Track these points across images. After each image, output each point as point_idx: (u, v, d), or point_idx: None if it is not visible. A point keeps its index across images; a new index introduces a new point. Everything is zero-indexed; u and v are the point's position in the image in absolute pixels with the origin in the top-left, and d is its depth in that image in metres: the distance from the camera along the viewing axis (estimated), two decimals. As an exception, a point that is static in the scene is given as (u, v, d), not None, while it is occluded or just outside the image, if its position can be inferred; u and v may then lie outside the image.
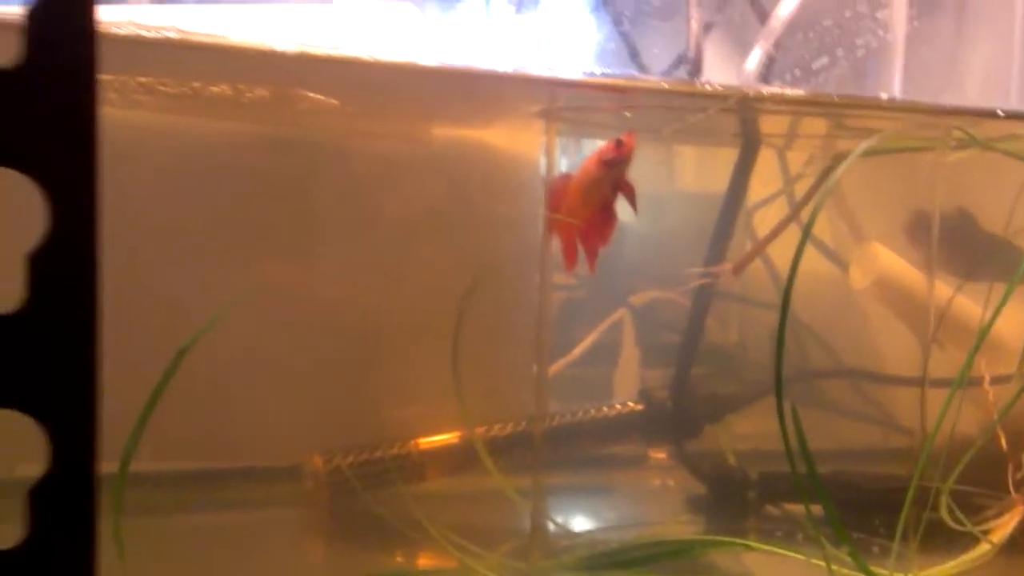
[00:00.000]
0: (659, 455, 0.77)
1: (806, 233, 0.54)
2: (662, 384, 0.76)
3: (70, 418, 0.31)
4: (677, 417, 0.74)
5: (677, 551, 0.58)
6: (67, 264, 0.31)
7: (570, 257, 0.61)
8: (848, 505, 0.64)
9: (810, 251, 0.74)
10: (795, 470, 0.69)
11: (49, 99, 0.31)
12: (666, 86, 0.61)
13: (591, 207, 0.58)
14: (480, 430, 0.71)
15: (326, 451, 0.68)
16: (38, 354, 0.31)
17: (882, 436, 0.87)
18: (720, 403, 0.76)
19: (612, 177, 0.57)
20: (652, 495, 0.76)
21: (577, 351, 0.83)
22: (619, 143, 0.57)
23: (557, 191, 0.61)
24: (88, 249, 0.32)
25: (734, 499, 0.73)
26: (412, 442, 0.71)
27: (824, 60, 0.67)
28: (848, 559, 0.59)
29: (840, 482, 0.70)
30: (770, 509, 0.72)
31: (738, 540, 0.60)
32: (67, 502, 0.32)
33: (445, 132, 0.77)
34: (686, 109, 0.62)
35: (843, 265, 0.80)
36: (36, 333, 0.31)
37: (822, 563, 0.58)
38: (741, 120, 0.68)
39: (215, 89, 0.61)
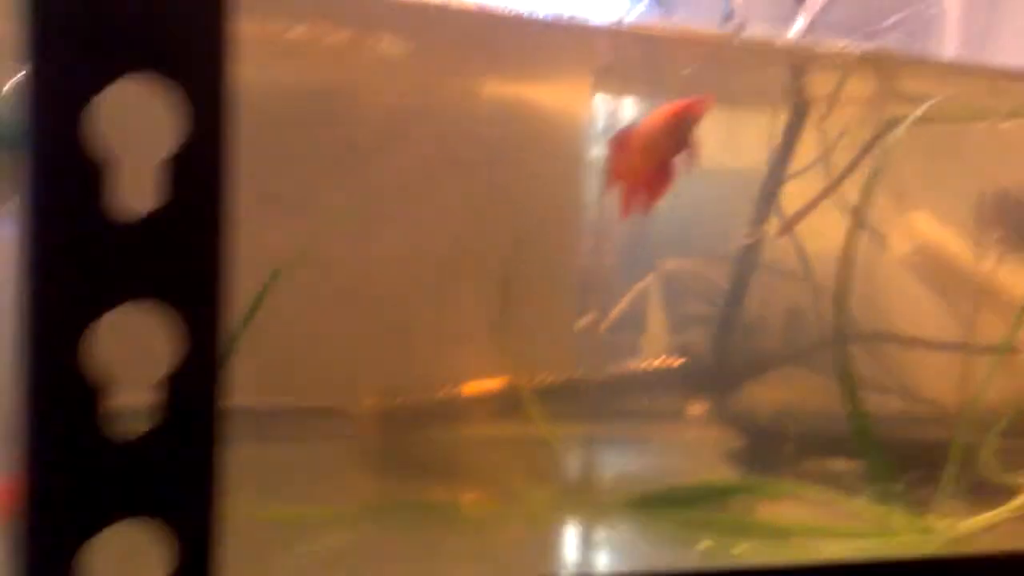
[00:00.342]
0: (696, 409, 0.79)
1: (862, 201, 0.55)
2: (702, 341, 0.78)
3: (202, 306, 0.33)
4: (718, 373, 0.76)
5: (726, 492, 0.60)
6: (203, 164, 0.33)
7: (627, 205, 0.62)
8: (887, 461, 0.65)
9: (840, 218, 0.76)
10: (834, 425, 0.71)
11: (187, 9, 0.33)
12: (737, 41, 0.62)
13: (653, 159, 0.60)
14: (525, 379, 0.73)
15: (376, 392, 0.70)
16: (174, 248, 0.33)
17: (904, 404, 0.89)
18: (759, 361, 0.77)
19: (680, 133, 0.59)
20: (689, 448, 0.77)
21: (613, 314, 0.85)
22: (693, 101, 0.59)
23: (620, 141, 0.62)
24: (222, 150, 0.33)
25: (771, 453, 0.74)
26: (458, 387, 0.73)
27: (880, 24, 0.68)
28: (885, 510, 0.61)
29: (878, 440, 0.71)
30: (807, 464, 0.74)
31: (790, 484, 0.62)
32: (198, 390, 0.33)
33: (495, 88, 0.79)
34: (749, 66, 0.64)
35: (875, 232, 0.82)
36: (173, 229, 0.33)
37: (867, 510, 0.60)
38: (793, 80, 0.70)
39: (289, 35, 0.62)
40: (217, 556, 0.34)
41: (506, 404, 0.74)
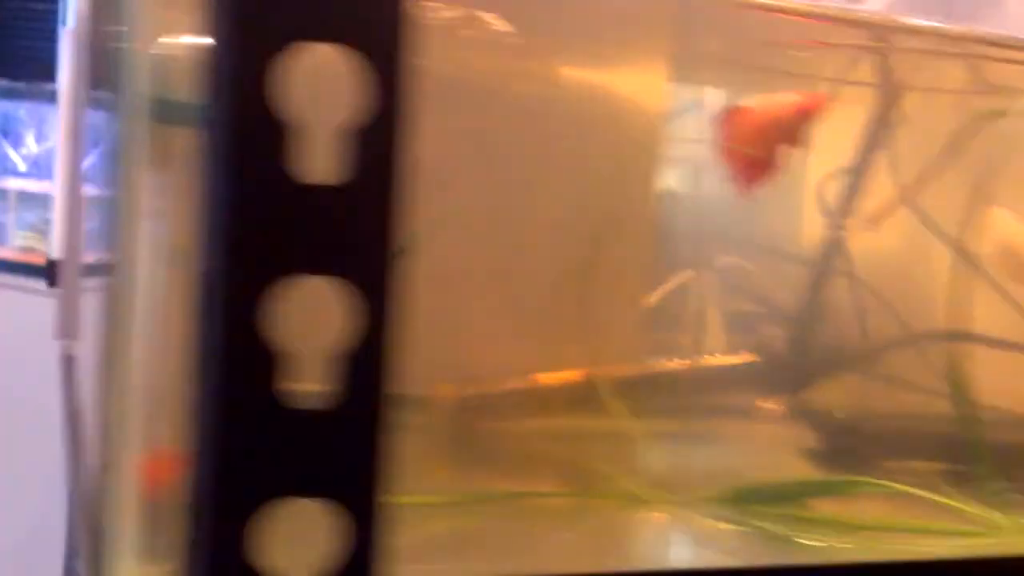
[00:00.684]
0: (769, 406, 0.79)
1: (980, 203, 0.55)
2: (778, 336, 0.78)
3: (382, 285, 0.33)
4: (794, 370, 0.76)
5: (824, 488, 0.61)
6: (388, 140, 0.33)
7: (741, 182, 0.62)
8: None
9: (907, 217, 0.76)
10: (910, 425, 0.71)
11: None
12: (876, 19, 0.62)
13: (760, 147, 0.60)
14: (602, 371, 0.74)
15: (454, 381, 0.71)
16: (357, 223, 0.33)
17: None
18: (835, 359, 0.78)
19: (792, 128, 0.59)
20: (765, 445, 0.78)
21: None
22: (813, 99, 0.59)
23: (729, 119, 0.63)
24: (404, 123, 0.34)
25: (849, 452, 0.75)
26: (535, 377, 0.73)
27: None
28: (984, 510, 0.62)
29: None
30: (886, 464, 0.74)
31: (894, 484, 0.62)
32: (375, 370, 0.34)
33: (574, 74, 0.79)
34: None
35: (940, 231, 0.82)
36: (357, 203, 0.33)
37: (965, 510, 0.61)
38: (882, 66, 0.70)
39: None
40: (388, 544, 0.34)
41: (581, 396, 0.74)
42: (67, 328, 0.76)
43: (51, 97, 3.11)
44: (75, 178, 0.74)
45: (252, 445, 0.33)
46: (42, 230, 3.08)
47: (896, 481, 0.70)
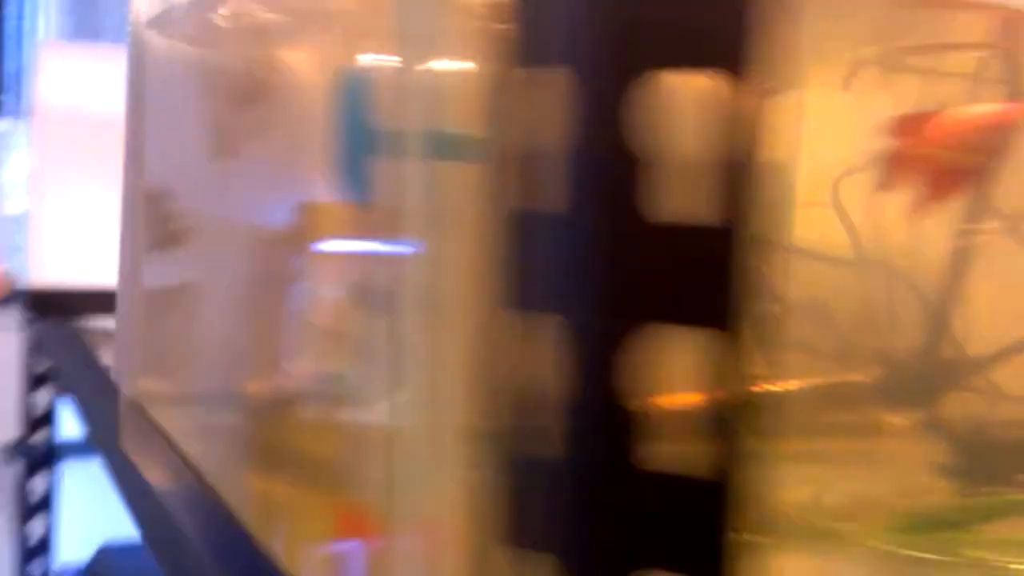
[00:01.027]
0: (897, 421, 0.78)
1: None
2: (904, 347, 0.77)
3: (743, 330, 0.32)
4: (923, 381, 0.75)
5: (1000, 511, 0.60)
6: (752, 177, 0.31)
7: (925, 199, 0.60)
8: None
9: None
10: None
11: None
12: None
13: (953, 159, 0.58)
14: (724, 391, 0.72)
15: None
16: (722, 265, 0.31)
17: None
18: (960, 368, 0.77)
19: (999, 138, 0.57)
20: (896, 463, 0.77)
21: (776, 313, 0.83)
22: (1018, 106, 0.57)
23: (910, 127, 0.60)
24: (765, 158, 0.32)
25: (986, 466, 0.74)
26: (652, 401, 0.71)
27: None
28: None
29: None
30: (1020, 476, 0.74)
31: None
32: (736, 426, 0.32)
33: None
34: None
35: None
36: (721, 245, 0.31)
37: None
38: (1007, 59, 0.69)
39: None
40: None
41: (701, 419, 0.72)
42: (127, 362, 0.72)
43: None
44: (136, 203, 0.70)
45: (608, 512, 0.31)
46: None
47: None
